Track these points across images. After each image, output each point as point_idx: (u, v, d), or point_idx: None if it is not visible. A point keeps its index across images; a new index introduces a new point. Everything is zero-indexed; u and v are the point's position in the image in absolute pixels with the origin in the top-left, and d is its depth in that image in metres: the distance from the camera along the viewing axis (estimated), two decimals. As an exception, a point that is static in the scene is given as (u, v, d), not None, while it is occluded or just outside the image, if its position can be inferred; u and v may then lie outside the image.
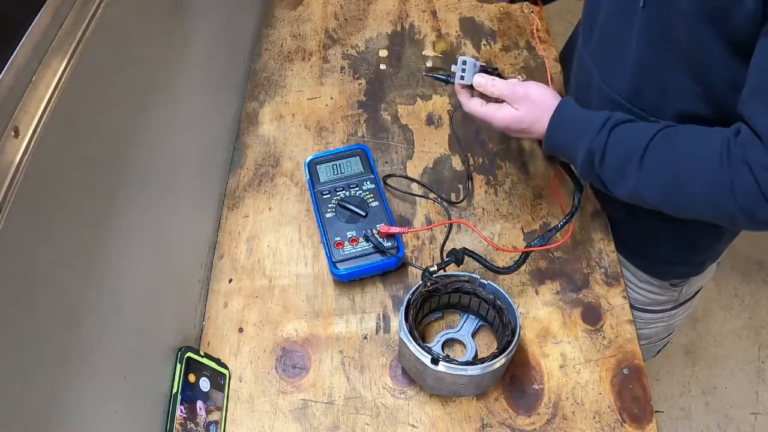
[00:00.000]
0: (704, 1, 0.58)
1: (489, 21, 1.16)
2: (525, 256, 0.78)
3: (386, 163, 0.97)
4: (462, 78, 0.77)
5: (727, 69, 0.62)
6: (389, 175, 0.93)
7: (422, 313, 0.77)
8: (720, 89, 0.64)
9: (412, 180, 0.94)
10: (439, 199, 0.91)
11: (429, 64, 1.10)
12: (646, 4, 0.63)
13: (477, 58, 0.78)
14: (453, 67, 0.78)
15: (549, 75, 0.84)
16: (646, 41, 0.67)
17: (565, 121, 0.71)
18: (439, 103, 1.04)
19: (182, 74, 0.83)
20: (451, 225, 0.87)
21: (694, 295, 0.99)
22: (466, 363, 0.67)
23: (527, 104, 0.72)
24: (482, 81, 0.75)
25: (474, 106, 0.76)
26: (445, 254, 0.80)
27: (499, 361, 0.67)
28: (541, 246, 0.77)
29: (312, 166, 0.91)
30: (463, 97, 0.78)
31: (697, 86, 0.65)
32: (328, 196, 0.87)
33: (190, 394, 0.72)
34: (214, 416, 0.73)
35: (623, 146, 0.66)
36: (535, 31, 0.89)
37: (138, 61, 0.70)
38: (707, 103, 0.66)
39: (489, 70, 0.78)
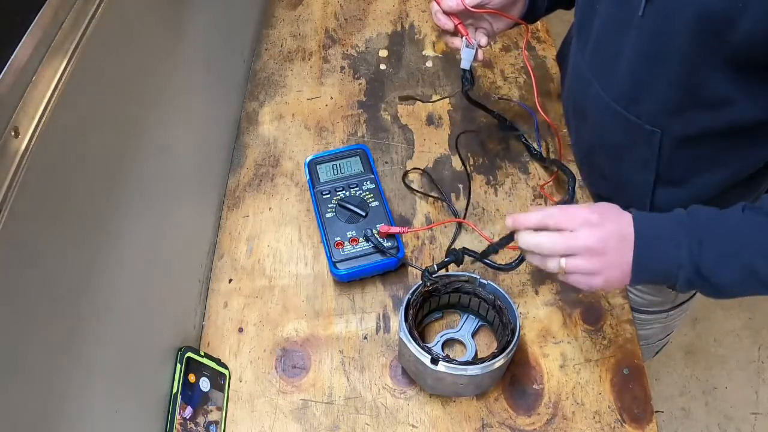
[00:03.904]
0: (707, 12, 0.57)
1: (489, 21, 1.15)
2: (526, 252, 0.77)
3: (386, 163, 0.97)
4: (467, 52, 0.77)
5: (722, 81, 0.62)
6: (410, 171, 0.95)
7: (422, 313, 0.77)
8: (714, 100, 0.64)
9: (409, 189, 0.94)
10: (445, 201, 0.91)
11: (429, 64, 1.10)
12: (645, 13, 0.62)
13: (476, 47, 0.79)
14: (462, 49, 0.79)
15: (535, 84, 0.85)
16: (640, 51, 0.66)
17: (653, 222, 0.62)
18: (439, 103, 1.04)
19: (182, 74, 0.83)
20: (459, 227, 0.87)
21: (691, 297, 0.99)
22: (466, 363, 0.67)
23: (593, 213, 0.61)
24: (536, 216, 0.63)
25: (551, 239, 0.62)
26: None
27: (499, 361, 0.67)
28: None
29: (312, 166, 0.91)
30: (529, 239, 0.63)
31: (690, 96, 0.65)
32: (328, 196, 0.87)
33: (190, 394, 0.72)
34: (214, 416, 0.73)
35: (717, 226, 0.59)
36: (526, 34, 0.89)
37: (138, 61, 0.70)
38: (702, 113, 0.66)
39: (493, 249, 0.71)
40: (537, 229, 0.63)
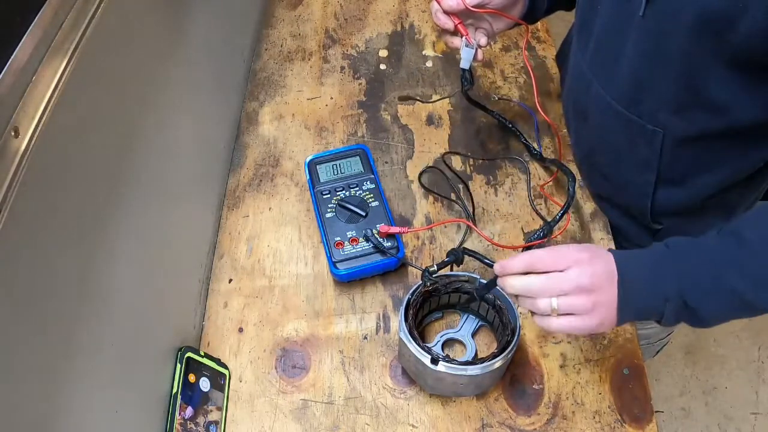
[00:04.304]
0: (707, 13, 0.57)
1: (489, 21, 1.15)
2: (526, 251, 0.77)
3: (386, 163, 0.97)
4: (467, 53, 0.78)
5: (722, 81, 0.62)
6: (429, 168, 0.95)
7: (422, 313, 0.77)
8: (715, 100, 0.64)
9: (427, 190, 0.94)
10: (458, 203, 0.91)
11: (429, 64, 1.10)
12: (645, 13, 0.62)
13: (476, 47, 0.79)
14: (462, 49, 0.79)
15: (535, 84, 0.85)
16: (641, 51, 0.66)
17: (634, 261, 0.60)
18: (439, 103, 1.04)
19: (182, 74, 0.83)
20: (468, 227, 0.87)
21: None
22: (466, 363, 0.67)
23: (581, 252, 0.60)
24: (523, 260, 0.60)
25: (540, 279, 0.59)
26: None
27: (499, 361, 0.67)
28: (541, 239, 0.77)
29: (312, 166, 0.91)
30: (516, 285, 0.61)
31: (692, 96, 0.65)
32: (328, 196, 0.87)
33: (190, 394, 0.72)
34: (214, 416, 0.73)
35: (697, 255, 0.59)
36: (526, 34, 0.89)
37: (138, 62, 0.70)
38: (703, 113, 0.66)
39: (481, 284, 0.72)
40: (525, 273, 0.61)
